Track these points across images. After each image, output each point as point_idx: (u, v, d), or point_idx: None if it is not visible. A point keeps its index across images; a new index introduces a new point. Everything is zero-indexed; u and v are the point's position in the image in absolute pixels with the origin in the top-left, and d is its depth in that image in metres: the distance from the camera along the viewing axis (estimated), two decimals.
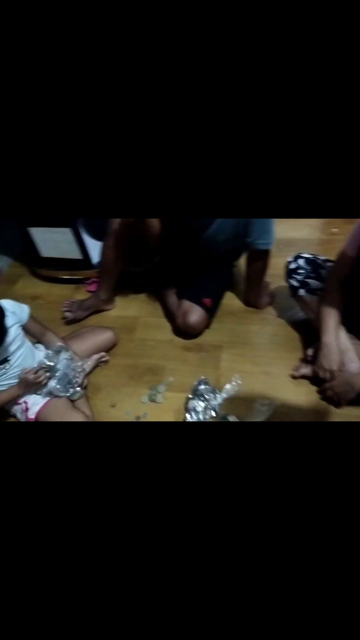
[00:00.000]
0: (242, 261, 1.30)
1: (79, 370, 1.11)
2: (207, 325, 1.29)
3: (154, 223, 1.23)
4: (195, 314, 1.24)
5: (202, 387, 1.09)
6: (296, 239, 1.60)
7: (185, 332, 1.28)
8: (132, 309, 1.45)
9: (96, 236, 1.44)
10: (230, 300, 1.40)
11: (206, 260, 1.30)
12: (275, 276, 1.32)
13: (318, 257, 1.15)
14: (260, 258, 1.19)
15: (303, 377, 1.11)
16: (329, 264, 1.12)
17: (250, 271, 1.26)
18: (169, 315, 1.36)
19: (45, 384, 1.03)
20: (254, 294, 1.32)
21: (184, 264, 1.38)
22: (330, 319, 1.02)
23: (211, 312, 1.28)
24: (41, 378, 1.00)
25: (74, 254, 1.46)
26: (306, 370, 1.09)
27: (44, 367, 1.02)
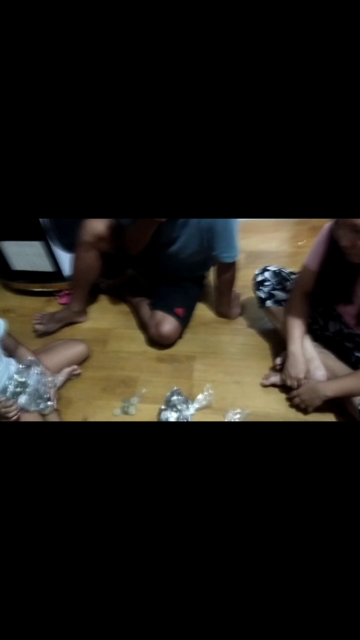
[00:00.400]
0: (213, 273, 1.34)
1: (50, 385, 1.09)
2: (180, 334, 1.31)
3: (143, 242, 1.23)
4: (168, 323, 1.25)
5: (175, 397, 1.10)
6: (265, 252, 1.66)
7: (158, 342, 1.29)
8: (105, 320, 1.45)
9: (68, 248, 1.43)
10: (203, 312, 1.43)
11: (175, 272, 1.33)
12: (245, 287, 1.37)
13: (283, 269, 1.20)
14: (227, 270, 1.24)
15: (273, 385, 1.14)
16: (293, 276, 1.17)
17: (220, 283, 1.30)
18: (143, 326, 1.37)
19: (16, 413, 1.01)
20: (224, 305, 1.37)
21: (153, 276, 1.41)
22: (296, 329, 1.06)
23: (184, 322, 1.31)
24: (11, 412, 0.98)
25: (46, 266, 1.45)
26: (275, 378, 1.13)
27: (7, 398, 1.00)
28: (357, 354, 1.08)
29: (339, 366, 1.09)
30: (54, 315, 1.40)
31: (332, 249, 0.91)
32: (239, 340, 1.32)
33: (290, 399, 1.08)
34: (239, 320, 1.39)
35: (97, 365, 1.28)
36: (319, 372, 1.04)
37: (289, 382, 1.07)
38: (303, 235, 1.73)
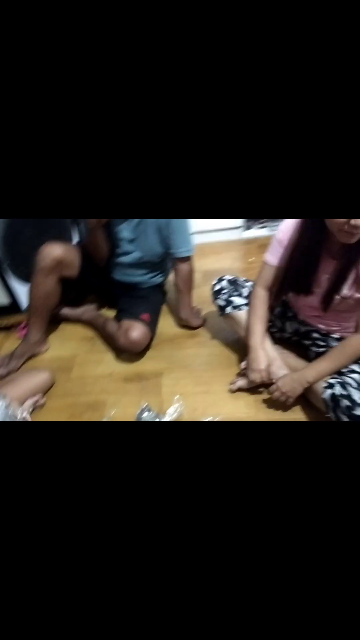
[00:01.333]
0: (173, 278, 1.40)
1: (19, 418, 1.03)
2: (150, 339, 1.32)
3: (103, 246, 1.28)
4: (136, 329, 1.26)
5: (145, 414, 1.08)
6: (219, 270, 1.73)
7: (129, 349, 1.28)
8: (68, 348, 1.42)
9: (24, 278, 1.42)
10: (166, 329, 1.45)
11: (135, 281, 1.38)
12: (204, 303, 1.43)
13: (238, 278, 1.27)
14: (185, 266, 1.31)
15: (240, 389, 1.16)
16: (248, 283, 1.24)
17: (179, 281, 1.35)
18: (110, 341, 1.36)
19: None
20: (185, 309, 1.40)
21: (113, 293, 1.44)
22: (256, 324, 1.10)
23: (151, 326, 1.32)
24: None
25: (0, 299, 1.42)
26: (242, 382, 1.15)
27: None
28: (314, 349, 1.14)
29: (300, 364, 1.14)
30: (12, 353, 1.34)
31: (298, 242, 0.97)
32: (205, 352, 1.34)
33: (270, 395, 1.07)
34: (202, 334, 1.42)
35: (62, 394, 1.24)
36: (282, 372, 1.08)
37: (251, 377, 1.09)
38: (252, 253, 1.84)
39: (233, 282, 1.24)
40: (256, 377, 1.08)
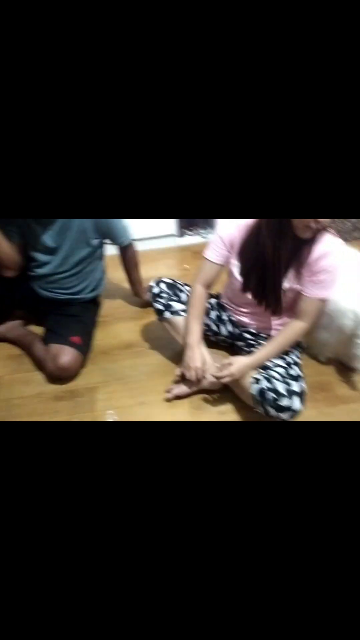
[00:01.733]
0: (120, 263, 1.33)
1: None
2: (82, 364, 1.24)
3: (7, 253, 1.18)
4: (65, 354, 1.17)
5: None
6: (156, 276, 1.72)
7: (59, 376, 1.19)
8: None
9: None
10: (101, 341, 1.39)
11: (61, 296, 1.29)
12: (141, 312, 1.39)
13: (177, 281, 1.24)
14: (128, 251, 1.36)
15: (177, 397, 1.13)
16: (187, 287, 1.22)
17: (126, 264, 1.41)
18: (38, 365, 1.26)
19: None
20: (136, 284, 1.47)
21: (39, 309, 1.34)
22: (194, 323, 1.08)
23: (83, 350, 1.24)
24: None
25: None
26: (178, 389, 1.13)
27: None
28: (247, 349, 1.15)
29: None
30: None
31: (256, 242, 0.96)
32: (140, 362, 1.31)
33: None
34: (138, 344, 1.39)
35: None
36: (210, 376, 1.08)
37: (187, 375, 1.07)
38: (187, 260, 1.86)
39: (172, 287, 1.21)
40: (192, 375, 1.06)
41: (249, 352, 1.10)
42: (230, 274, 1.10)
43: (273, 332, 1.11)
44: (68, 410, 1.14)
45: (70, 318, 1.27)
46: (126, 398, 1.16)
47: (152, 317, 1.48)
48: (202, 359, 1.07)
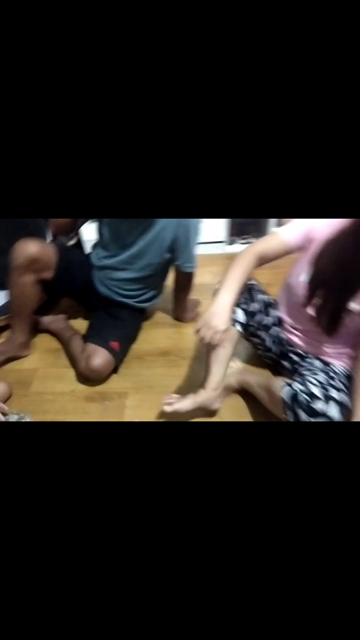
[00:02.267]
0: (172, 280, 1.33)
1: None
2: (114, 369, 1.23)
3: (50, 254, 1.20)
4: (99, 357, 1.16)
5: None
6: (199, 284, 1.67)
7: (88, 377, 1.19)
8: (30, 360, 1.33)
9: None
10: (137, 345, 1.37)
11: (115, 296, 1.29)
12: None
13: (255, 284, 1.08)
14: (186, 279, 1.33)
15: (175, 412, 1.00)
16: (264, 296, 1.09)
17: (177, 291, 1.39)
18: (73, 361, 1.27)
19: None
20: (179, 310, 1.46)
21: (90, 302, 1.35)
22: (236, 273, 0.89)
23: (119, 356, 1.23)
24: None
25: None
26: (180, 404, 0.99)
27: None
28: (290, 371, 1.06)
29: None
30: None
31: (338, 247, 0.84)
32: (174, 372, 1.27)
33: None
34: (174, 352, 1.35)
35: (17, 410, 1.14)
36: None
37: (202, 333, 0.85)
38: None
39: (249, 289, 1.05)
40: (207, 335, 0.83)
41: (293, 374, 1.02)
42: (290, 287, 1.01)
43: (326, 357, 1.01)
44: (96, 413, 1.13)
45: (116, 321, 1.27)
46: (155, 409, 1.13)
47: (191, 327, 1.46)
48: (229, 321, 0.86)
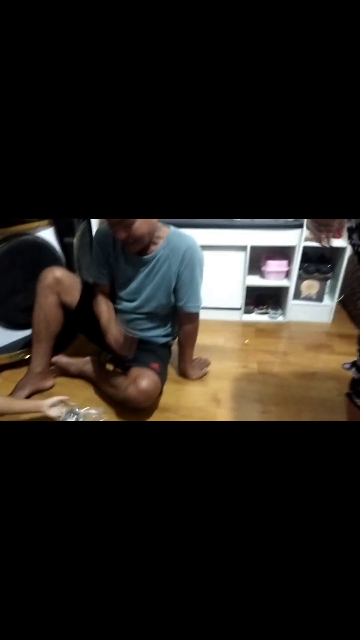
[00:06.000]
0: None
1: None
2: (160, 391, 1.19)
3: (73, 279, 1.24)
4: (146, 377, 1.12)
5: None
6: (212, 346, 1.63)
7: (137, 400, 1.12)
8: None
9: (0, 320, 1.36)
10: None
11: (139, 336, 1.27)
12: None
13: None
14: (190, 321, 1.27)
15: None
16: None
17: (182, 334, 1.31)
18: (111, 394, 1.23)
19: None
20: (186, 361, 1.37)
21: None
22: None
23: (162, 377, 1.21)
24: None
25: None
26: None
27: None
28: None
29: None
30: (15, 386, 1.26)
31: None
32: None
33: None
34: (173, 409, 1.26)
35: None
36: None
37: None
38: (249, 336, 1.74)
39: None
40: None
41: None
42: None
43: None
44: None
45: (146, 352, 1.25)
46: None
47: (194, 384, 1.38)
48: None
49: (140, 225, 1.02)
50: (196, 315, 1.26)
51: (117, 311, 1.28)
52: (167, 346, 1.38)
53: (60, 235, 1.50)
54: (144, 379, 1.12)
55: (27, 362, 1.34)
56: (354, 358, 0.82)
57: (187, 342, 1.33)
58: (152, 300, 1.21)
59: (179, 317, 1.29)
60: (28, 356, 1.34)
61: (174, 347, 1.42)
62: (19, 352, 1.39)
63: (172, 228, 1.18)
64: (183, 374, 1.41)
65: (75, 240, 1.53)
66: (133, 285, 1.21)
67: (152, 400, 1.16)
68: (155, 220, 1.07)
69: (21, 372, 1.35)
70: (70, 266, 1.55)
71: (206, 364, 1.46)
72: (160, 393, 1.23)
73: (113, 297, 1.28)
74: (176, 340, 1.39)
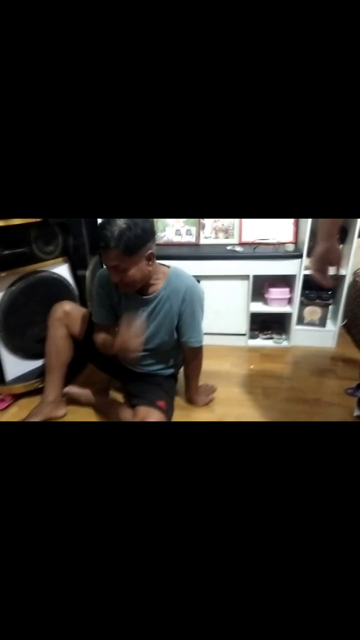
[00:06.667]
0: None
1: None
2: None
3: (82, 312, 1.31)
4: (152, 417, 1.18)
5: None
6: (218, 372, 1.68)
7: None
8: None
9: (17, 351, 1.43)
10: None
11: (143, 369, 1.33)
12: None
13: None
14: (194, 355, 1.34)
15: None
16: None
17: (187, 368, 1.39)
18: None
19: None
20: (191, 390, 1.44)
21: (126, 377, 1.40)
22: None
23: (168, 414, 1.25)
24: None
25: None
26: None
27: None
28: None
29: None
30: (28, 415, 1.33)
31: None
32: None
33: None
34: None
35: None
36: None
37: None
38: (254, 361, 1.79)
39: None
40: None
41: None
42: None
43: None
44: None
45: (153, 385, 1.31)
46: None
47: (200, 411, 1.44)
48: None
49: (134, 272, 1.06)
50: (199, 348, 1.33)
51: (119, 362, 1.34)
52: (173, 377, 1.44)
53: (73, 269, 1.60)
54: (151, 418, 1.18)
55: (41, 391, 1.40)
56: (358, 382, 0.87)
57: (192, 373, 1.41)
58: (156, 337, 1.26)
59: (183, 351, 1.35)
60: (42, 385, 1.41)
61: (180, 375, 1.48)
62: (33, 381, 1.47)
63: (172, 267, 1.23)
64: (190, 401, 1.47)
65: (87, 273, 1.63)
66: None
67: None
68: (148, 269, 1.10)
69: (35, 400, 1.42)
70: (83, 298, 1.64)
71: (212, 390, 1.51)
72: None
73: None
74: (182, 369, 1.45)
